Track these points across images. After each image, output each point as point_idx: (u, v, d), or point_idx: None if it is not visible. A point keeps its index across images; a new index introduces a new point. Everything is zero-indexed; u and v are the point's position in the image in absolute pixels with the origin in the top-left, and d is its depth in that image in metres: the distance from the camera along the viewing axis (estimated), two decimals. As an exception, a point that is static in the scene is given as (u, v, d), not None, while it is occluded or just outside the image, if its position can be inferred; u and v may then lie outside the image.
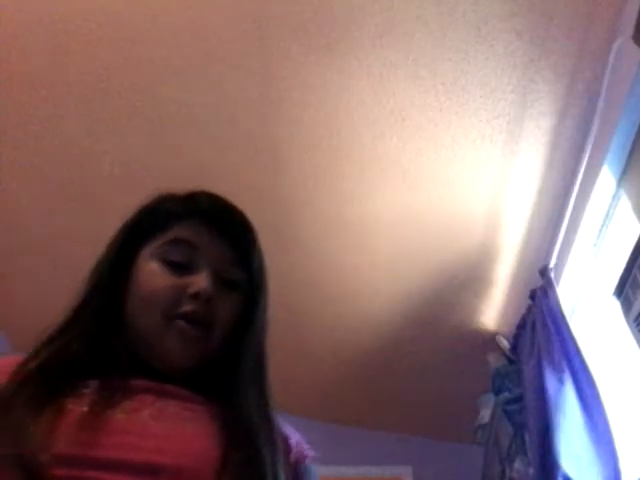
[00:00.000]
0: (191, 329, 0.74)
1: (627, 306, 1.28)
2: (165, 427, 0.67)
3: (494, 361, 2.04)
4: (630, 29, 1.22)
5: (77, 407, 0.64)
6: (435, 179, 1.74)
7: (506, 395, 1.83)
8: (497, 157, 1.65)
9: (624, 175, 1.39)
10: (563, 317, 1.47)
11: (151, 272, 0.77)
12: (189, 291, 0.75)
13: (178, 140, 1.72)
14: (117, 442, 0.62)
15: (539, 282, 1.64)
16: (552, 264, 1.62)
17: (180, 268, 0.78)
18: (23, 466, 0.56)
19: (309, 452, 0.81)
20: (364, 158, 1.73)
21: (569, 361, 1.39)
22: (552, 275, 1.59)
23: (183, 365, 0.75)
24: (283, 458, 0.72)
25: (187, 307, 0.75)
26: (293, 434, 0.82)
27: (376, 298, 2.13)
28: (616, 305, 1.34)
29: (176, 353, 0.74)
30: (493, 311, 2.08)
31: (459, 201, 1.79)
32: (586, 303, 1.62)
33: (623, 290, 1.30)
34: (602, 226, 1.49)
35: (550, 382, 1.42)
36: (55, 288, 2.22)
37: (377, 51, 1.52)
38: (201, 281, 0.76)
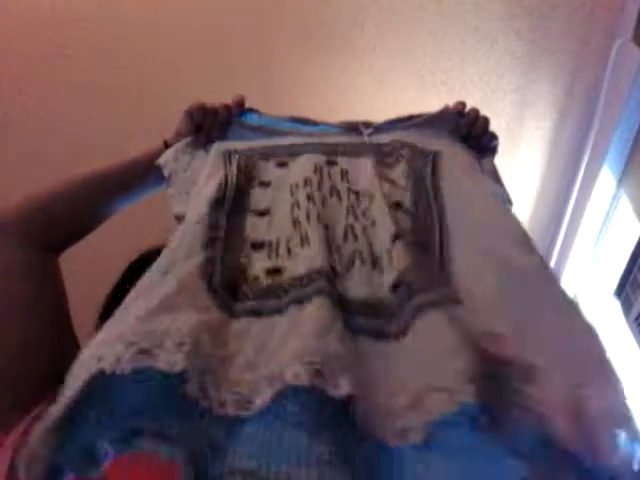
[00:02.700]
0: None
1: (627, 306, 1.28)
2: None
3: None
4: (630, 30, 1.23)
5: None
6: (435, 179, 1.74)
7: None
8: (497, 157, 1.65)
9: (624, 175, 1.39)
10: (563, 317, 1.47)
11: None
12: None
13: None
14: None
15: (539, 282, 1.64)
16: (552, 264, 1.62)
17: None
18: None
19: None
20: (364, 158, 1.73)
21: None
22: (552, 275, 1.59)
23: None
24: None
25: None
26: None
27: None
28: (616, 305, 1.34)
29: None
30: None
31: (459, 201, 1.78)
32: (586, 303, 1.62)
33: (623, 290, 1.30)
34: (602, 226, 1.49)
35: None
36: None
37: (378, 51, 1.52)
38: None
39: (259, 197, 0.68)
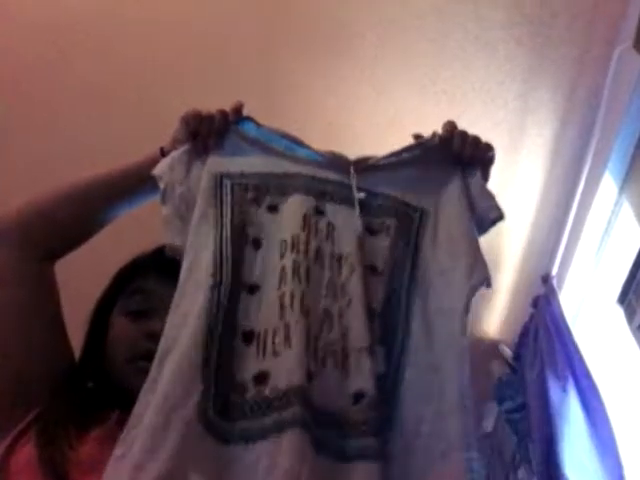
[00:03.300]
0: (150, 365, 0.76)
1: (630, 313, 1.27)
2: None
3: (497, 370, 2.03)
4: (631, 37, 1.23)
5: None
6: (437, 187, 1.74)
7: (509, 404, 1.81)
8: (498, 165, 1.64)
9: (626, 182, 1.39)
10: (566, 325, 1.46)
11: (116, 326, 0.83)
12: (144, 332, 0.79)
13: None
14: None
15: (541, 290, 1.64)
16: (554, 272, 1.61)
17: (140, 315, 0.82)
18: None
19: None
20: (366, 166, 1.73)
21: (572, 369, 1.38)
22: (554, 283, 1.58)
23: None
24: None
25: (143, 347, 0.78)
26: None
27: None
28: (619, 312, 1.33)
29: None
30: (495, 319, 2.07)
31: (461, 209, 1.78)
32: (589, 311, 1.61)
33: (626, 297, 1.30)
34: (604, 233, 1.49)
35: (553, 391, 1.41)
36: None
37: (379, 60, 1.53)
38: (155, 322, 0.79)
39: (251, 264, 0.73)
